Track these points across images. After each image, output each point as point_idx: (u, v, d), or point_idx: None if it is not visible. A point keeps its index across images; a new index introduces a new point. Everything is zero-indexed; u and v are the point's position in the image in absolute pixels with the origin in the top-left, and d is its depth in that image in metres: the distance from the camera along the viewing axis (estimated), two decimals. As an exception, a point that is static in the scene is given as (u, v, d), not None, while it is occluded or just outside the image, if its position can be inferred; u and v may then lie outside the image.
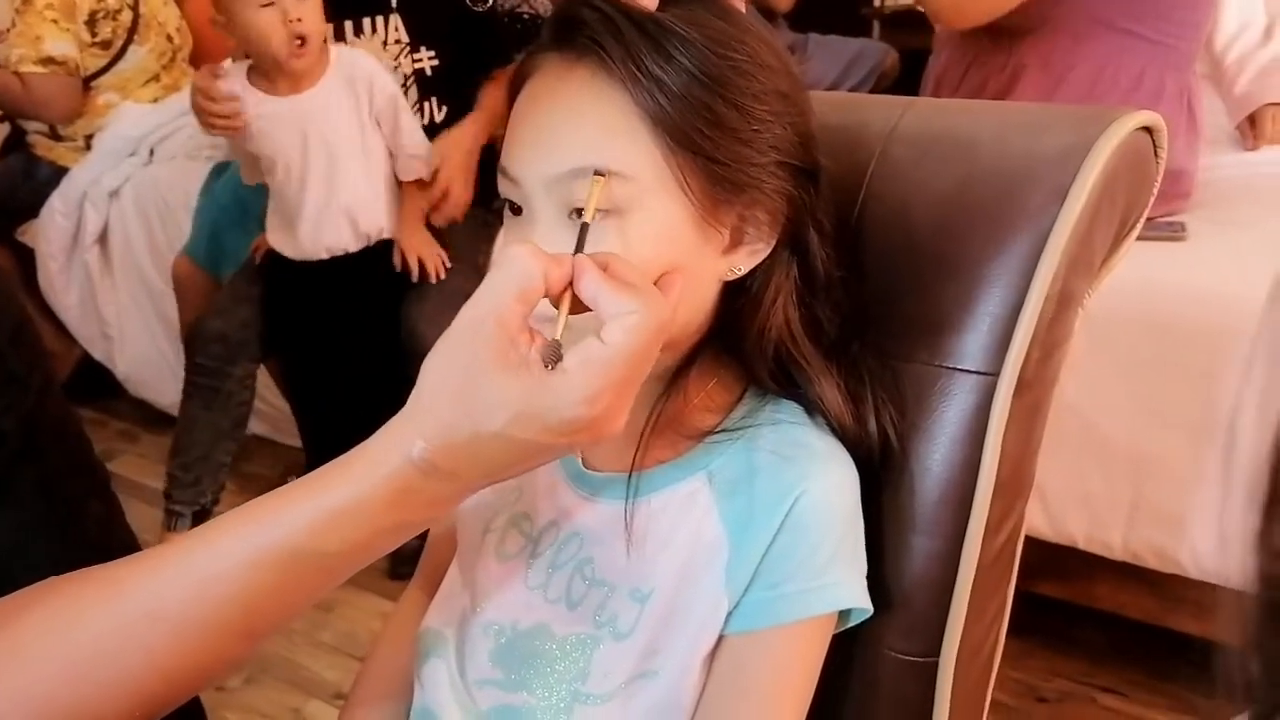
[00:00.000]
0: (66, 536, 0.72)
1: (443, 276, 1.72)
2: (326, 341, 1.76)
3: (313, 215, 1.65)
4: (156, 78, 2.41)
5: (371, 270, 1.71)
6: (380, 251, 1.72)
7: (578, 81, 0.56)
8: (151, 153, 2.33)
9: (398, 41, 1.77)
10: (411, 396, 0.51)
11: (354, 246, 1.69)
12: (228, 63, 1.65)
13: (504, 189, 0.60)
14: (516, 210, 0.60)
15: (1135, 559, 1.36)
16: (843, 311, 0.64)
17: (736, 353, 0.63)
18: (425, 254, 1.72)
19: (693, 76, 0.55)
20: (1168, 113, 1.47)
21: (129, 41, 2.33)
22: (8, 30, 2.25)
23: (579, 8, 0.57)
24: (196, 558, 0.49)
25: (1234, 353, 1.14)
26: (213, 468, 1.82)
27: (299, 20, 1.51)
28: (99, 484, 0.78)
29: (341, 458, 0.51)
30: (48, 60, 2.20)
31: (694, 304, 0.61)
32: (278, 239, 1.71)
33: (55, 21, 2.20)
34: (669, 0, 0.58)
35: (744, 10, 0.62)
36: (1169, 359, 1.27)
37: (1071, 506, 1.37)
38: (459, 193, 1.73)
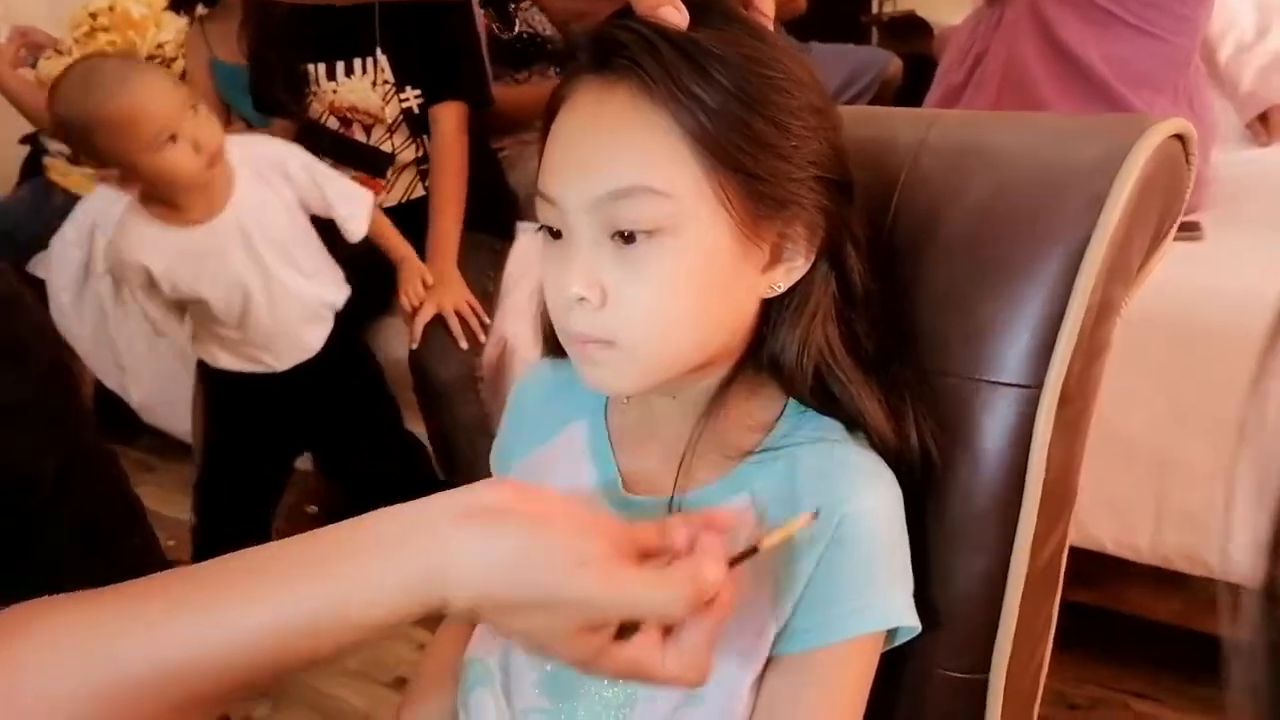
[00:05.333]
0: (104, 569, 0.71)
1: (479, 330, 1.65)
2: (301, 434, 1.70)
3: (293, 325, 1.54)
4: None
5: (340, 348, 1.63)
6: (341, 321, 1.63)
7: (618, 103, 0.56)
8: (159, 183, 2.34)
9: (386, 82, 1.76)
10: (477, 538, 0.47)
11: (327, 332, 1.60)
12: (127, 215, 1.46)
13: (543, 213, 0.60)
14: (556, 234, 0.60)
15: (1164, 562, 1.35)
16: (881, 326, 0.63)
17: (776, 370, 0.63)
18: (459, 304, 1.64)
19: (731, 95, 0.55)
20: (1167, 107, 1.48)
21: None
22: (57, 49, 2.26)
23: (616, 30, 0.57)
24: (197, 627, 0.45)
25: (1255, 351, 1.14)
26: None
27: (210, 138, 1.39)
28: (135, 517, 0.78)
29: (371, 555, 0.47)
30: None
31: (734, 322, 0.61)
32: (245, 364, 1.57)
33: None
34: (700, 21, 0.58)
35: (772, 28, 0.62)
36: (1190, 359, 1.27)
37: (1097, 511, 1.36)
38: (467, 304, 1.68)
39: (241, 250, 1.46)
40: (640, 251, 0.56)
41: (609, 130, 0.57)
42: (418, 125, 1.79)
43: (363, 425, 1.69)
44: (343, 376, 1.65)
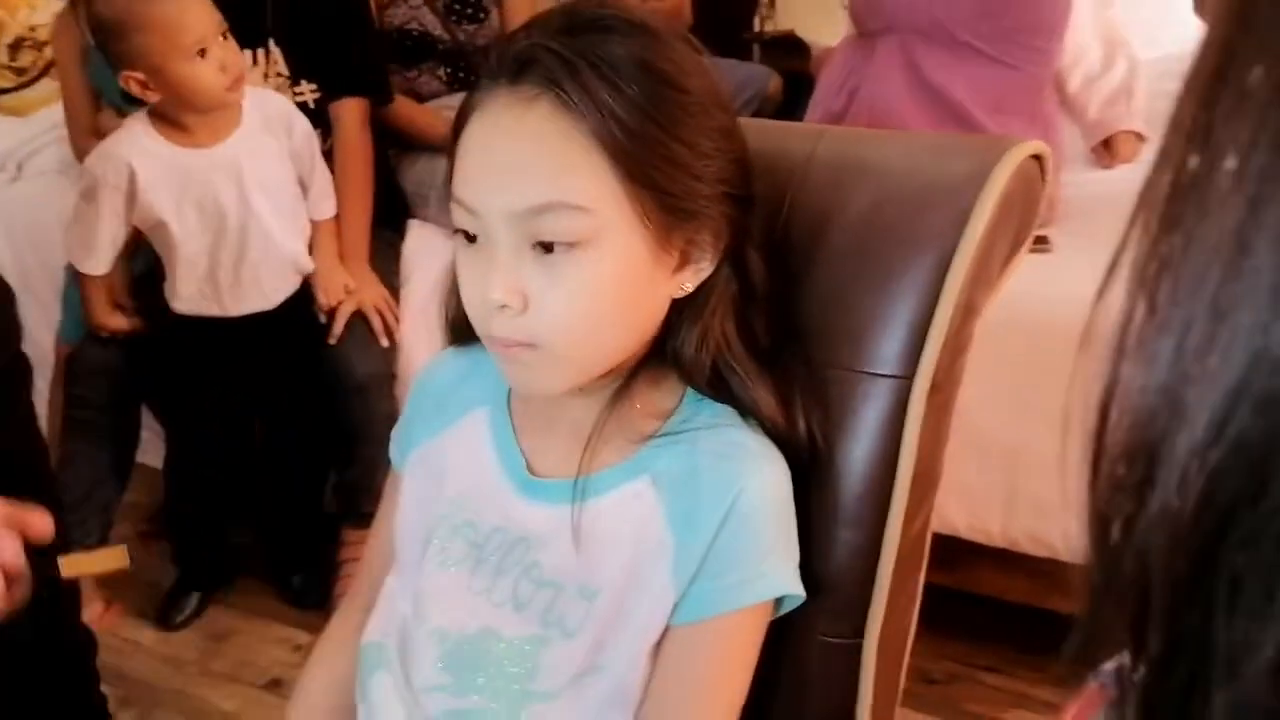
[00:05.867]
0: None
1: (395, 328, 1.68)
2: (247, 393, 1.70)
3: (256, 267, 1.59)
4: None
5: (295, 311, 1.66)
6: (300, 291, 1.67)
7: (537, 118, 0.59)
8: (19, 168, 2.21)
9: (279, 74, 1.73)
10: None
11: (290, 291, 1.65)
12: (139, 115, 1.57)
13: (460, 219, 0.62)
14: (471, 238, 0.62)
15: (1012, 545, 1.47)
16: (774, 321, 0.69)
17: (676, 363, 0.68)
18: (378, 302, 1.68)
19: (648, 116, 0.59)
20: (1024, 130, 1.61)
21: (43, 74, 2.24)
22: None
23: (532, 47, 0.60)
24: None
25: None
26: (98, 507, 1.70)
27: (235, 64, 1.50)
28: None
29: None
30: None
31: (646, 322, 0.65)
32: (196, 303, 1.60)
33: None
34: (616, 33, 0.61)
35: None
36: (1039, 359, 1.38)
37: (952, 497, 1.46)
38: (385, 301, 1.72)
39: (230, 182, 1.53)
40: (560, 260, 0.60)
41: (531, 144, 0.60)
42: (313, 120, 1.77)
43: (296, 404, 1.72)
44: (291, 346, 1.67)
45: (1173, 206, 0.24)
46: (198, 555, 1.85)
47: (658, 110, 0.59)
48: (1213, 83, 0.24)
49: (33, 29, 2.20)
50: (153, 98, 1.48)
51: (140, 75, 1.45)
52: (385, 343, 1.67)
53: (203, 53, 1.45)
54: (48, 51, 2.23)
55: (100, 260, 1.58)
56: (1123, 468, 0.25)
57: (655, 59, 0.61)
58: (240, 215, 1.55)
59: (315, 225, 1.68)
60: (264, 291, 1.62)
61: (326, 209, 1.68)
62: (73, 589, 1.00)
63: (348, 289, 1.66)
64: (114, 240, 1.56)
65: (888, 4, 1.68)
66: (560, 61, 0.59)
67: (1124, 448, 0.25)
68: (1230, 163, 0.22)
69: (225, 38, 1.49)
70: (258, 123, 1.57)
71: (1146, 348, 0.24)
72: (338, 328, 1.64)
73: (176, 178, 1.52)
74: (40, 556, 0.57)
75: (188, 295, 1.60)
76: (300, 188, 1.65)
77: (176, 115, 1.52)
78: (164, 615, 1.80)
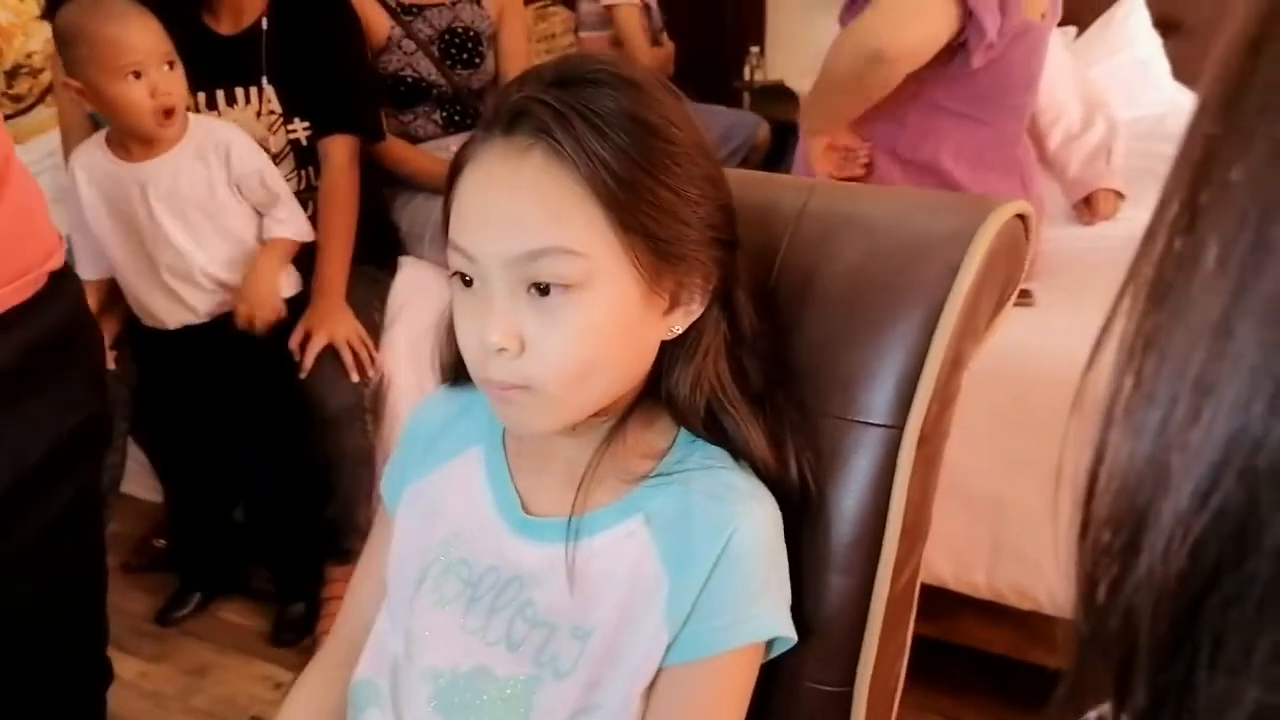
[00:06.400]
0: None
1: (368, 364, 1.69)
2: (203, 410, 1.73)
3: (170, 282, 1.65)
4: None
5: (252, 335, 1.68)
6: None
7: (533, 167, 0.61)
8: (12, 196, 2.22)
9: (271, 112, 1.75)
10: None
11: (218, 308, 1.68)
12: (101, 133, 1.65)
13: (457, 263, 0.64)
14: (468, 282, 0.64)
15: (998, 597, 1.47)
16: (767, 364, 0.70)
17: (671, 404, 0.69)
18: (350, 337, 1.68)
19: (637, 164, 0.61)
20: (1002, 183, 1.64)
21: (39, 101, 2.26)
22: None
23: (525, 100, 0.62)
24: None
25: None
26: None
27: (168, 94, 1.54)
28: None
29: None
30: None
31: (637, 363, 0.67)
32: (142, 315, 1.70)
33: None
34: (606, 86, 0.63)
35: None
36: (1024, 412, 1.40)
37: (940, 549, 1.47)
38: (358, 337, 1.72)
39: (140, 197, 1.60)
40: (555, 302, 0.62)
41: (524, 192, 0.61)
42: (304, 157, 1.78)
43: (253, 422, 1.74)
44: (251, 363, 1.68)
45: (1159, 286, 0.25)
46: (195, 555, 1.89)
47: (646, 159, 0.61)
48: (1197, 174, 0.25)
49: (29, 55, 2.22)
50: (89, 106, 1.59)
51: (77, 84, 1.53)
52: (355, 378, 1.66)
53: (137, 75, 1.51)
54: (43, 78, 2.25)
55: (83, 264, 1.66)
56: (1109, 533, 0.25)
57: (643, 111, 0.63)
58: (150, 229, 1.62)
59: (266, 242, 1.70)
60: (187, 305, 1.67)
61: (280, 231, 1.70)
62: (103, 623, 1.04)
63: (312, 326, 1.66)
64: (86, 243, 1.65)
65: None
66: (552, 113, 0.61)
67: (1111, 513, 0.25)
68: (1213, 250, 0.23)
69: (171, 67, 1.55)
70: (190, 149, 1.62)
71: (1134, 418, 0.25)
72: (307, 362, 1.64)
73: (105, 188, 1.61)
74: None
75: (133, 306, 1.68)
76: (257, 216, 1.69)
77: (117, 132, 1.60)
78: (162, 614, 1.86)
